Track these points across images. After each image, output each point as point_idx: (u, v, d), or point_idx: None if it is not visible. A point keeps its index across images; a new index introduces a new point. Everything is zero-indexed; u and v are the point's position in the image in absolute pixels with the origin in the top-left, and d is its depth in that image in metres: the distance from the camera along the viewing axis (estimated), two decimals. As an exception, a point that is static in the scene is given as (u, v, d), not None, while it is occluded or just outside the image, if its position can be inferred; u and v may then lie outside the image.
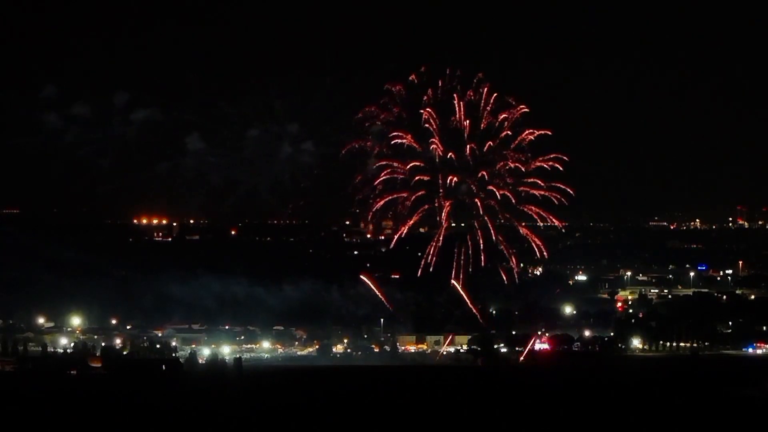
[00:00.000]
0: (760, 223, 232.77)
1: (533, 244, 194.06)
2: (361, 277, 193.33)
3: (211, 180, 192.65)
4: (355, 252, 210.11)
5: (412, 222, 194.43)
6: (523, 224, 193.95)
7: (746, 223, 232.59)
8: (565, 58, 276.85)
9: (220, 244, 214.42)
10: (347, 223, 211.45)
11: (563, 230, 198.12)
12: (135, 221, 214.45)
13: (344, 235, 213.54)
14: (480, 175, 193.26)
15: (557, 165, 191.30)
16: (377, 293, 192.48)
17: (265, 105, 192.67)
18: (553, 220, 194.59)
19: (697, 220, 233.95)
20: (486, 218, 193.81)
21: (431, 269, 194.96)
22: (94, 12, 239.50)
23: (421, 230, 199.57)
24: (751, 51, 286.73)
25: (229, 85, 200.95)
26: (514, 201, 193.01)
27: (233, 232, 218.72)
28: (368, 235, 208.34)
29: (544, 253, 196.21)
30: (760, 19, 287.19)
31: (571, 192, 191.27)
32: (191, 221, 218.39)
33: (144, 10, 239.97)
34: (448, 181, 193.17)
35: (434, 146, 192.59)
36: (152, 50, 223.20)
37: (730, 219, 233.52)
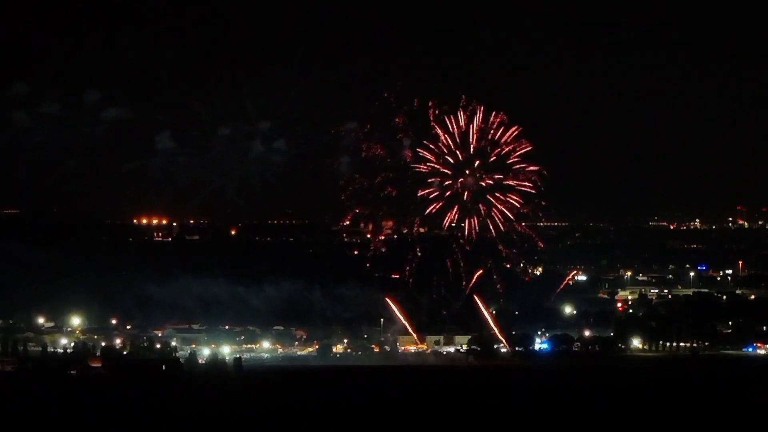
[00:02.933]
0: (760, 223, 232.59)
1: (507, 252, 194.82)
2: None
3: (183, 180, 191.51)
4: (355, 252, 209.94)
5: (382, 236, 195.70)
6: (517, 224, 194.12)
7: (746, 223, 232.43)
8: (565, 57, 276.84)
9: (219, 244, 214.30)
10: (347, 222, 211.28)
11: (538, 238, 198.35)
12: (135, 221, 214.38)
13: (344, 235, 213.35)
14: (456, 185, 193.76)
15: (537, 180, 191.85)
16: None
17: (237, 104, 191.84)
18: (531, 232, 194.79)
19: (697, 220, 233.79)
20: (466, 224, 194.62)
21: (409, 278, 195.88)
22: (67, 9, 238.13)
23: (421, 230, 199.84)
24: (751, 50, 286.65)
25: (201, 84, 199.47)
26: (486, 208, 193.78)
27: (233, 232, 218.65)
28: (368, 235, 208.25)
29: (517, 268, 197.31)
30: (760, 17, 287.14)
31: (544, 203, 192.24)
32: (191, 221, 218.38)
33: (116, 7, 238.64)
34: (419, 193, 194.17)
35: (407, 155, 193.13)
36: (124, 49, 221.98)
37: (730, 219, 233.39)
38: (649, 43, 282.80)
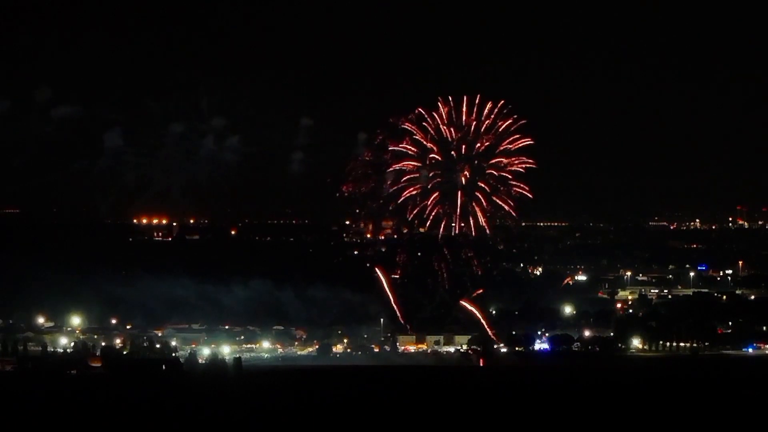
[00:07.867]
0: (760, 223, 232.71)
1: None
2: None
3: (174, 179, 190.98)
4: (355, 252, 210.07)
5: (382, 235, 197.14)
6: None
7: (746, 223, 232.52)
8: (566, 57, 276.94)
9: (219, 244, 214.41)
10: (347, 222, 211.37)
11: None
12: (135, 221, 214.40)
13: (344, 235, 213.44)
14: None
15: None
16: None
17: (191, 102, 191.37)
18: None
19: (697, 220, 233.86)
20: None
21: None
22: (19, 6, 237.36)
23: (421, 230, 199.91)
24: (751, 49, 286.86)
25: (155, 82, 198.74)
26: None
27: (233, 232, 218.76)
28: (368, 235, 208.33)
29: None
30: (759, 17, 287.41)
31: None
32: (191, 221, 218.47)
33: (70, 5, 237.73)
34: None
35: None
36: (78, 47, 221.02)
37: (730, 219, 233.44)
38: (650, 42, 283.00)
